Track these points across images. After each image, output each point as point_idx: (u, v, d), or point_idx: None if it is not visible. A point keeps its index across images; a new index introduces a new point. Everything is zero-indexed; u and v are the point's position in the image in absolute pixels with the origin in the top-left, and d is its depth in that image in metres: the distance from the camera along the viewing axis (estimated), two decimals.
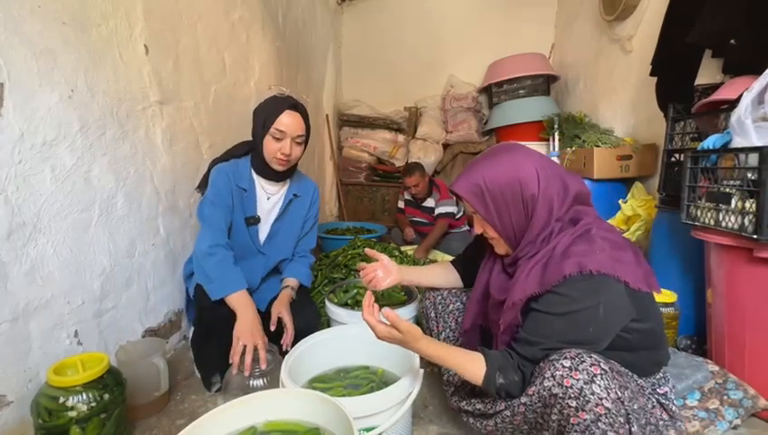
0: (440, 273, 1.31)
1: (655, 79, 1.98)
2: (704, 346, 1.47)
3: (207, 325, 1.33)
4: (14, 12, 1.09)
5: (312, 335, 1.26)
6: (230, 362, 1.18)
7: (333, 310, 1.50)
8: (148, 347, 1.35)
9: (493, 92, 3.44)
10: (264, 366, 1.18)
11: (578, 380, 0.76)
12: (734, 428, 1.15)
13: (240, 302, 1.27)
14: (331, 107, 3.72)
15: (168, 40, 1.65)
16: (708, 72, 1.74)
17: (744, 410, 1.16)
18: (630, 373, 0.90)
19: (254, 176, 1.46)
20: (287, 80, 2.78)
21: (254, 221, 1.45)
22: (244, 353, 1.18)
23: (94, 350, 1.30)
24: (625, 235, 1.96)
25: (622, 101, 2.47)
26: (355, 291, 1.65)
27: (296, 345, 1.21)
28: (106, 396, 1.06)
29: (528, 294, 0.88)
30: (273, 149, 1.36)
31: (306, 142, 1.44)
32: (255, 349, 1.19)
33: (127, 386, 1.16)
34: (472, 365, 0.89)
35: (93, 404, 1.04)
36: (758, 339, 1.20)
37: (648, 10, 2.21)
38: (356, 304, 1.60)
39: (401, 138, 3.80)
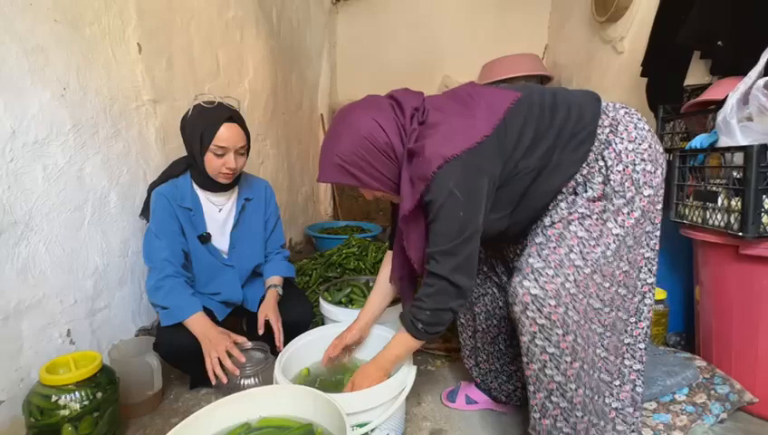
0: (378, 301, 1.23)
1: (645, 79, 2.01)
2: (692, 342, 1.50)
3: (167, 352, 1.31)
4: (5, 9, 1.08)
5: (305, 333, 1.27)
6: (212, 381, 1.17)
7: (327, 308, 1.50)
8: (142, 346, 1.35)
9: None
10: (242, 359, 1.19)
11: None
12: (721, 422, 1.17)
13: (192, 325, 1.24)
14: (326, 106, 3.72)
15: (161, 38, 1.65)
16: (697, 72, 1.76)
17: (731, 404, 1.18)
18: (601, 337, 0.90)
19: (199, 192, 1.40)
20: (281, 79, 2.79)
21: (204, 239, 1.40)
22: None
23: (87, 349, 1.30)
24: None
25: (614, 101, 2.50)
26: (349, 289, 1.66)
27: (290, 343, 1.21)
28: (99, 394, 1.06)
29: (410, 204, 0.89)
30: (217, 165, 1.30)
31: (249, 149, 1.38)
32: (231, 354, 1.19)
33: (120, 385, 1.15)
34: (402, 342, 1.00)
35: (86, 403, 1.03)
36: (744, 335, 1.23)
37: (639, 12, 2.24)
38: (350, 303, 1.61)
39: None
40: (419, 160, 0.87)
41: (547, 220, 0.93)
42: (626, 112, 0.93)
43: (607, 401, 0.93)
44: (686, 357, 1.35)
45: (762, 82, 1.10)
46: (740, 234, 1.13)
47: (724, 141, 1.21)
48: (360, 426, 0.94)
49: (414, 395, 1.34)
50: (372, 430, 0.96)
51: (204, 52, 1.94)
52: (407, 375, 1.04)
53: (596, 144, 0.90)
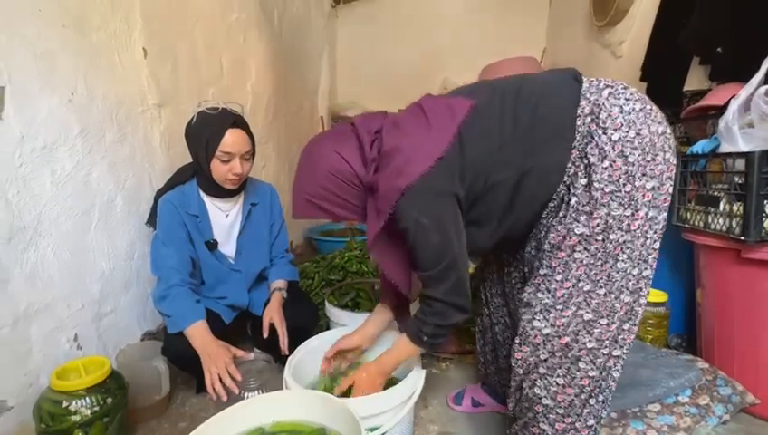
0: (383, 317, 1.20)
1: (645, 84, 2.03)
2: (694, 344, 1.52)
3: (175, 358, 1.31)
4: (14, 15, 1.09)
5: (313, 337, 1.27)
6: (213, 398, 1.15)
7: (333, 312, 1.51)
8: (149, 350, 1.35)
9: None
10: (238, 377, 1.16)
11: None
12: (724, 423, 1.19)
13: (192, 334, 1.22)
14: (326, 109, 3.73)
15: (166, 43, 1.65)
16: (696, 78, 1.79)
17: (733, 405, 1.20)
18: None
19: (205, 198, 1.40)
20: (283, 81, 2.79)
21: (212, 246, 1.40)
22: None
23: (93, 353, 1.30)
24: None
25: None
26: (354, 293, 1.66)
27: (299, 347, 1.22)
28: (109, 400, 1.07)
29: (373, 232, 0.90)
30: (224, 171, 1.30)
31: (254, 154, 1.38)
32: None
33: (128, 389, 1.16)
34: (405, 349, 1.02)
35: (96, 408, 1.04)
36: (746, 337, 1.25)
37: (638, 16, 2.26)
38: (356, 306, 1.62)
39: None
40: (379, 195, 0.87)
41: (546, 244, 0.86)
42: (610, 93, 0.81)
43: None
44: (689, 359, 1.37)
45: (763, 89, 1.12)
46: (742, 238, 1.15)
47: (725, 147, 1.23)
48: (371, 430, 0.95)
49: (420, 398, 1.33)
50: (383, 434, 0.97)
51: (208, 55, 1.94)
52: (416, 379, 1.05)
53: (578, 138, 0.81)
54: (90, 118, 1.31)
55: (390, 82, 3.89)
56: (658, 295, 1.54)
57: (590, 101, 0.82)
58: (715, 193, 1.27)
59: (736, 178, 1.19)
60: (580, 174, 0.81)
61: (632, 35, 2.32)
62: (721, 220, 1.24)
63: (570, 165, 0.83)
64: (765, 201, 1.13)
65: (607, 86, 0.83)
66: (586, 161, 0.80)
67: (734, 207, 1.19)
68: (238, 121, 1.32)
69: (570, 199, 0.83)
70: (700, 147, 1.34)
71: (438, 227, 0.86)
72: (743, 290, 1.23)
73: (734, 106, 1.19)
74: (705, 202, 1.30)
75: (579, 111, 0.82)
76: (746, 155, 1.14)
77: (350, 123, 0.97)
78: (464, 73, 3.69)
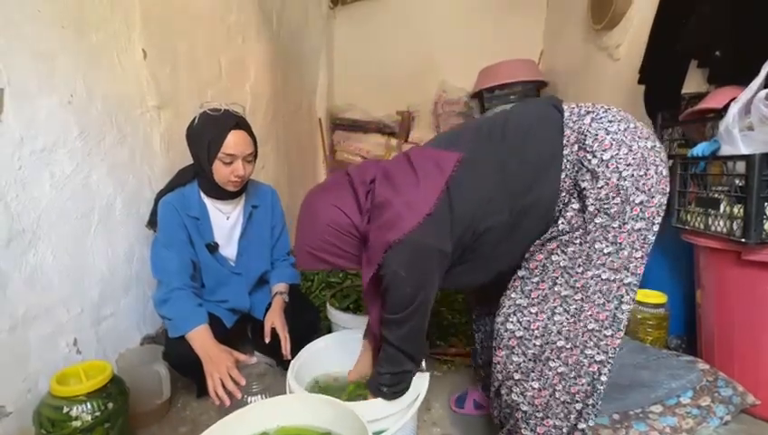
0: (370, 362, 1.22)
1: (642, 86, 2.04)
2: (694, 346, 1.52)
3: (176, 363, 1.31)
4: (14, 16, 1.07)
5: (316, 341, 1.27)
6: (215, 402, 1.13)
7: (336, 314, 1.50)
8: (149, 354, 1.34)
9: (484, 98, 3.48)
10: (242, 382, 1.14)
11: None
12: (725, 424, 1.20)
13: (193, 338, 1.21)
14: (324, 110, 3.72)
15: (165, 44, 1.64)
16: (694, 81, 1.80)
17: (734, 406, 1.21)
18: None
19: (206, 200, 1.39)
20: (281, 83, 2.78)
21: (212, 248, 1.40)
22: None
23: (93, 358, 1.29)
24: None
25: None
26: (355, 295, 1.66)
27: (302, 350, 1.21)
28: (110, 405, 1.06)
29: (366, 280, 0.93)
30: (226, 173, 1.29)
31: (256, 156, 1.37)
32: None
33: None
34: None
35: (97, 413, 1.03)
36: (746, 338, 1.25)
37: (636, 19, 2.27)
38: (357, 309, 1.61)
39: (394, 142, 3.82)
40: (369, 246, 0.90)
41: (527, 253, 0.90)
42: (592, 118, 0.83)
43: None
44: (689, 360, 1.37)
45: (763, 93, 1.13)
46: (742, 240, 1.16)
47: (725, 150, 1.24)
48: (377, 434, 0.95)
49: (423, 402, 1.34)
50: None
51: (207, 56, 1.93)
52: (421, 383, 1.05)
53: (568, 167, 0.83)
54: (89, 120, 1.29)
55: (388, 84, 3.89)
56: (658, 297, 1.55)
57: (573, 130, 0.84)
58: (716, 195, 1.28)
59: (737, 181, 1.20)
60: (573, 201, 0.84)
61: (630, 38, 2.33)
62: (721, 222, 1.24)
63: (564, 194, 0.85)
64: (766, 203, 1.14)
65: (588, 112, 0.85)
66: (578, 188, 0.83)
67: (735, 210, 1.20)
68: (241, 123, 1.31)
69: (558, 221, 0.85)
70: (700, 149, 1.35)
71: (413, 280, 0.88)
72: (743, 292, 1.24)
73: (734, 109, 1.20)
74: (705, 204, 1.31)
75: (565, 141, 0.84)
76: (747, 158, 1.15)
77: (345, 173, 1.00)
78: (461, 75, 3.70)
